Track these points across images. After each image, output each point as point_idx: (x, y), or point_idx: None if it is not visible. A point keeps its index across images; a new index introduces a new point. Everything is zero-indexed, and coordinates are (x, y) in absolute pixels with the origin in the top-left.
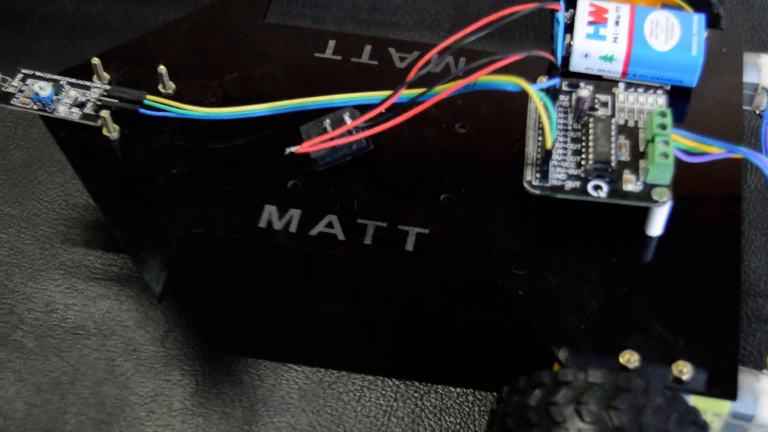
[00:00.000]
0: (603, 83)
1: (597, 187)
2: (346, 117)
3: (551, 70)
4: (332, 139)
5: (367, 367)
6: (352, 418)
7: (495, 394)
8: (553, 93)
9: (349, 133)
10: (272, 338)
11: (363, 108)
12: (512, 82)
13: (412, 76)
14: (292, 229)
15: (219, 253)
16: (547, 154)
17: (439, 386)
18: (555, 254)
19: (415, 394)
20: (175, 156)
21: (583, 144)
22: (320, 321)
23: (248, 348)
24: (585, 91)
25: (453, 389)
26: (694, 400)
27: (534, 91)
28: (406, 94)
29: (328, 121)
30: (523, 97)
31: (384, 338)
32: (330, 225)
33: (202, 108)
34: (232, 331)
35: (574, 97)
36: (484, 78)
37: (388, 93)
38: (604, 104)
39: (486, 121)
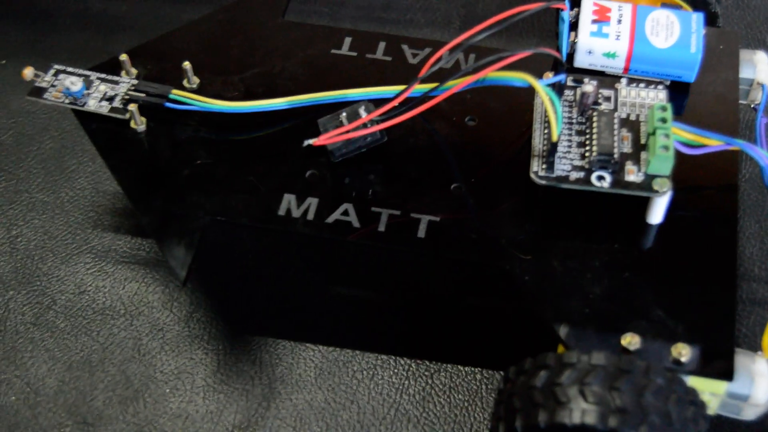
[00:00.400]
0: (606, 79)
1: (600, 178)
2: (362, 111)
3: (557, 67)
4: (348, 131)
5: (380, 346)
6: (366, 396)
7: (502, 373)
8: (558, 88)
9: (365, 126)
10: (290, 319)
11: (377, 102)
12: (520, 78)
13: (424, 72)
14: (310, 216)
15: (240, 240)
16: (552, 147)
17: (448, 365)
18: (560, 242)
19: (426, 373)
20: (198, 148)
21: (587, 137)
22: (336, 303)
23: (267, 328)
24: (589, 86)
25: (462, 368)
26: (692, 381)
27: (541, 87)
28: (418, 88)
29: (344, 114)
30: (529, 92)
31: (396, 319)
32: (346, 213)
33: (224, 102)
34: (253, 312)
35: (578, 92)
36: (493, 74)
37: (401, 88)
38: (607, 99)
39: (494, 114)
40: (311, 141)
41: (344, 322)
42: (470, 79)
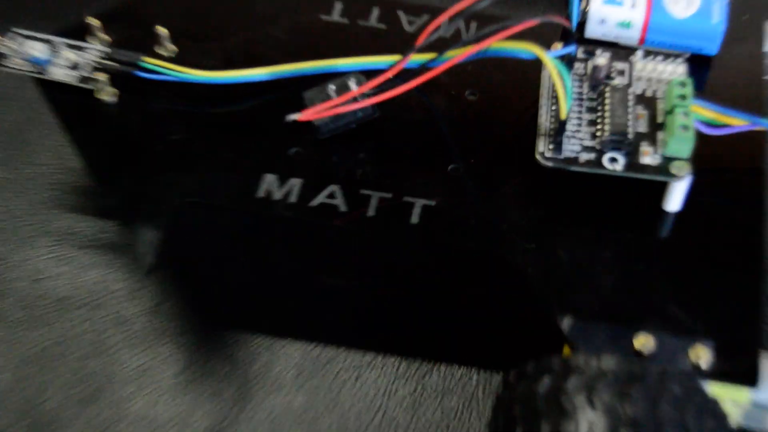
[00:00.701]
0: (620, 51)
1: (613, 160)
2: (352, 83)
3: (566, 37)
4: (337, 106)
5: (367, 343)
6: (350, 399)
7: (501, 375)
8: (568, 61)
9: (355, 100)
10: (268, 312)
11: (369, 73)
12: (526, 49)
13: (421, 41)
14: (292, 199)
15: (215, 224)
16: (561, 125)
17: (442, 365)
18: (567, 230)
19: (417, 374)
20: (173, 122)
21: (599, 114)
22: (319, 295)
23: (243, 322)
24: (601, 59)
25: (456, 369)
26: (712, 388)
27: (549, 59)
28: (414, 59)
29: (332, 86)
30: (536, 64)
31: (384, 313)
32: (332, 195)
33: (202, 71)
34: (227, 304)
35: (589, 65)
36: (497, 45)
37: (396, 58)
38: (621, 73)
39: (497, 88)
40: (295, 116)
41: (327, 316)
42: (472, 50)
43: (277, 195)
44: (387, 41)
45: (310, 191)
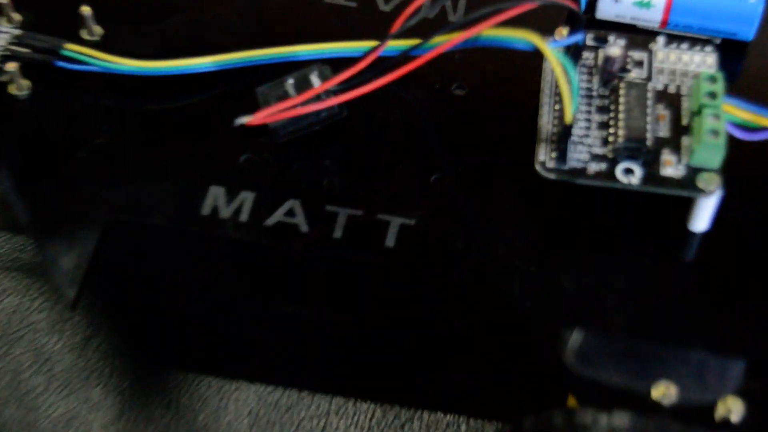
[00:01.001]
0: (638, 36)
1: (628, 171)
2: (315, 77)
3: (573, 21)
4: (296, 105)
5: (335, 386)
6: None
7: (492, 424)
8: (575, 50)
9: (318, 98)
10: (218, 349)
11: (336, 63)
12: (523, 38)
13: (399, 24)
14: (244, 217)
15: (152, 246)
16: (565, 130)
17: (424, 412)
18: (573, 254)
19: (395, 422)
20: (100, 121)
21: (612, 115)
22: (277, 329)
23: (187, 361)
24: (615, 48)
25: (441, 418)
26: None
27: (551, 51)
28: (392, 46)
29: (291, 81)
30: (536, 55)
31: (356, 351)
32: (291, 212)
33: (135, 61)
34: (169, 340)
35: (601, 55)
36: (489, 32)
37: (369, 45)
38: (639, 64)
39: (490, 81)
40: (245, 119)
41: (288, 355)
42: (459, 38)
43: (226, 212)
44: (358, 23)
45: (264, 207)
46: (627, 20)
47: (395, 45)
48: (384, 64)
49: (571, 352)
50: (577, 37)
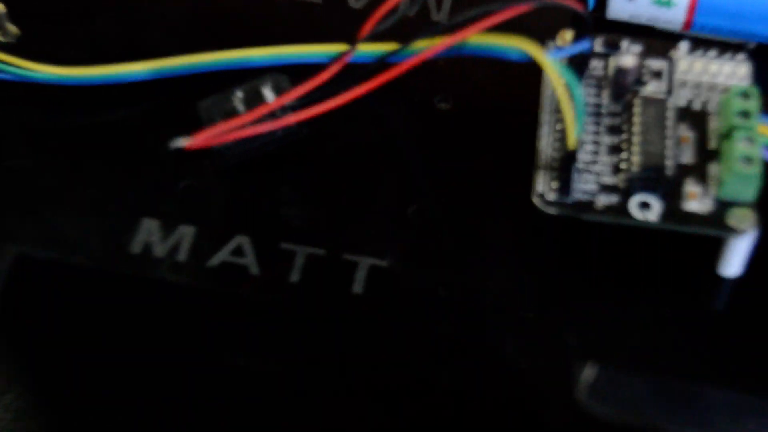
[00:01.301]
0: (656, 41)
1: (644, 206)
2: (269, 89)
3: (578, 22)
4: (246, 125)
5: None
6: None
7: None
8: (580, 59)
9: (273, 114)
10: (150, 408)
11: (296, 72)
12: (517, 47)
13: (372, 25)
14: (182, 256)
15: (71, 288)
16: (569, 157)
17: None
18: (578, 305)
19: None
20: (11, 140)
21: (625, 137)
22: (223, 386)
23: (117, 425)
24: (629, 57)
25: None
26: None
27: (550, 64)
28: (363, 52)
29: (240, 94)
30: (534, 65)
31: (316, 414)
32: (239, 251)
33: (56, 67)
34: (91, 398)
35: (612, 63)
36: (477, 39)
37: (336, 49)
38: (657, 75)
39: (480, 93)
40: (184, 141)
41: (231, 413)
42: (442, 45)
43: (160, 250)
44: (323, 23)
45: (207, 245)
46: (643, 21)
47: (367, 50)
48: (353, 73)
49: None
50: (583, 45)
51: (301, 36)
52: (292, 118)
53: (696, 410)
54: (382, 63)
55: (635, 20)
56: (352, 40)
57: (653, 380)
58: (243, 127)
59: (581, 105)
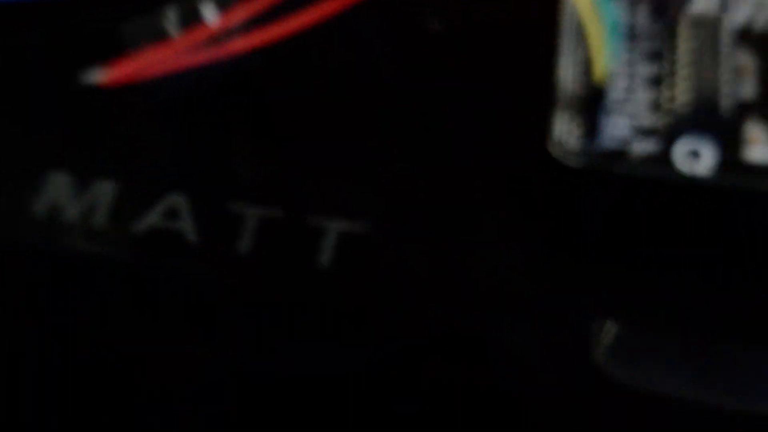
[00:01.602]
0: None
1: (693, 154)
2: (209, 6)
3: None
4: (180, 56)
5: None
6: None
7: None
8: None
9: (216, 40)
10: (60, 410)
11: None
12: None
13: None
14: (100, 218)
15: None
16: (596, 92)
17: None
18: (608, 285)
19: None
20: None
21: (667, 68)
22: (154, 381)
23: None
24: None
25: None
26: None
27: None
28: None
29: (172, 13)
30: None
31: (272, 424)
32: (173, 213)
33: None
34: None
35: None
36: None
37: None
38: None
39: (479, 11)
40: (101, 75)
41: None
42: None
43: (72, 212)
44: None
45: (131, 205)
46: None
47: None
48: None
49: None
50: None
51: None
52: (240, 44)
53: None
54: None
55: None
56: None
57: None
58: (177, 56)
59: (613, 25)
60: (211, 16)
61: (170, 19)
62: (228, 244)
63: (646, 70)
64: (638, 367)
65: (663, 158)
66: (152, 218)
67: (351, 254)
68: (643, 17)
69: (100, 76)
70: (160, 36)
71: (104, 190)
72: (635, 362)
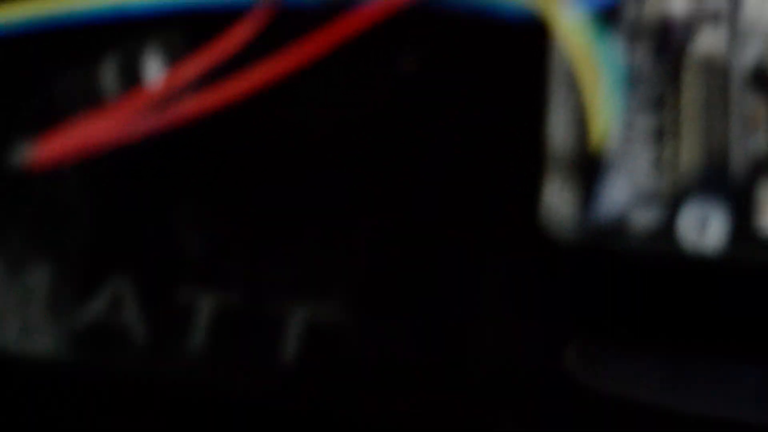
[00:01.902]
0: None
1: (701, 222)
2: (151, 58)
3: None
4: (122, 115)
5: None
6: None
7: None
8: (606, 15)
9: (167, 100)
10: None
11: (195, 24)
12: None
13: None
14: (32, 314)
15: None
16: (593, 154)
17: None
18: (612, 372)
19: None
20: None
21: (671, 119)
22: None
23: None
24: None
25: None
26: None
27: (566, 24)
28: None
29: (109, 67)
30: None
31: None
32: (114, 300)
33: None
34: None
35: (653, 12)
36: None
37: None
38: (715, 19)
39: (462, 50)
40: (27, 153)
41: None
42: None
43: (4, 304)
44: None
45: (65, 294)
46: None
47: None
48: (288, 26)
49: None
50: None
51: None
52: (190, 108)
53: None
54: (334, 6)
55: None
56: None
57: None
58: (117, 124)
59: (614, 70)
60: (154, 70)
61: (108, 73)
62: (179, 337)
63: (646, 121)
64: (609, 374)
65: (667, 230)
66: (90, 310)
67: (318, 344)
68: (641, 58)
69: (28, 153)
70: (94, 98)
71: (37, 276)
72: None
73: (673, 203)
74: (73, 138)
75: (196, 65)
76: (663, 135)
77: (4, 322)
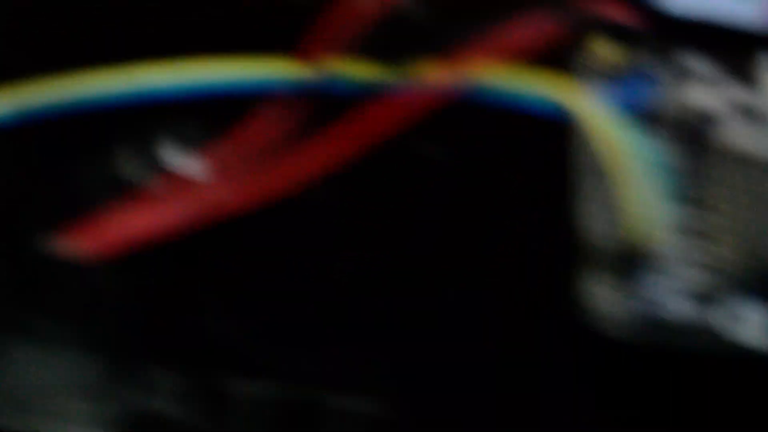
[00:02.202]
0: (734, 53)
1: (740, 319)
2: (168, 148)
3: (626, 35)
4: (138, 213)
5: None
6: None
7: None
8: (640, 105)
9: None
10: None
11: (215, 112)
12: (538, 92)
13: (342, 29)
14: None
15: None
16: (634, 252)
17: None
18: None
19: None
20: None
21: (707, 217)
22: None
23: None
24: (706, 91)
25: None
26: None
27: (596, 117)
28: (341, 76)
29: (127, 155)
30: None
31: None
32: (151, 389)
33: None
34: None
35: (675, 96)
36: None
37: (283, 69)
38: (745, 113)
39: (492, 138)
40: (63, 243)
41: None
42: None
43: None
44: (252, 20)
45: (105, 377)
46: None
47: (349, 73)
48: (324, 113)
49: None
50: (642, 81)
51: (220, 42)
52: (224, 197)
53: None
54: (368, 94)
55: (703, 17)
56: (301, 50)
57: None
58: (154, 213)
59: (654, 164)
60: (172, 159)
61: (129, 164)
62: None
63: (678, 215)
64: None
65: (705, 324)
66: (129, 395)
67: None
68: (674, 152)
69: (59, 242)
70: (118, 186)
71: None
72: None
73: (711, 299)
74: (112, 228)
75: (224, 152)
76: (698, 234)
77: (41, 409)
